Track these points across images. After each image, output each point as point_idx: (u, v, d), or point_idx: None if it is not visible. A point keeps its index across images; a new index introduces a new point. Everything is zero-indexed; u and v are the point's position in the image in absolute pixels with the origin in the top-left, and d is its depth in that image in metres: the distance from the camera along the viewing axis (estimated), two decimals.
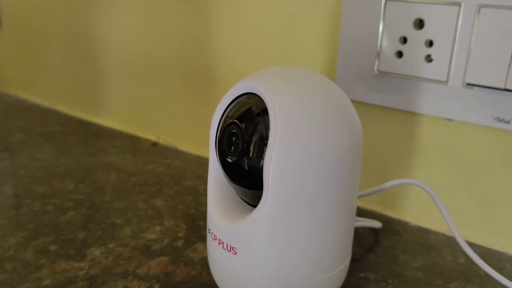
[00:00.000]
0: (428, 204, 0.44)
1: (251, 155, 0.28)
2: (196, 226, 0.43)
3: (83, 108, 0.70)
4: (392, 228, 0.44)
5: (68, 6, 0.66)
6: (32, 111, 0.72)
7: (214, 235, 0.30)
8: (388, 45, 0.42)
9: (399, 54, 0.41)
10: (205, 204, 0.46)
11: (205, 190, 0.50)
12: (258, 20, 0.50)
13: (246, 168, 0.28)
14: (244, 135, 0.28)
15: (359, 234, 0.43)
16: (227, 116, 0.30)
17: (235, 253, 0.29)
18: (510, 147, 0.39)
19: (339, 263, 0.31)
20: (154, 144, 0.62)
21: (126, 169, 0.54)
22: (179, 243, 0.40)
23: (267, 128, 0.27)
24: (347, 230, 0.31)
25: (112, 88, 0.65)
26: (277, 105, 0.27)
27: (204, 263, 0.37)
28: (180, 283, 0.35)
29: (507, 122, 0.38)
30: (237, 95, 0.30)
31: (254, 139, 0.28)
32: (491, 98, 0.38)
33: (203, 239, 0.40)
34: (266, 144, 0.27)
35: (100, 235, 0.40)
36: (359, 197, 0.41)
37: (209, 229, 0.31)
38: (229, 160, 0.29)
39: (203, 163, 0.57)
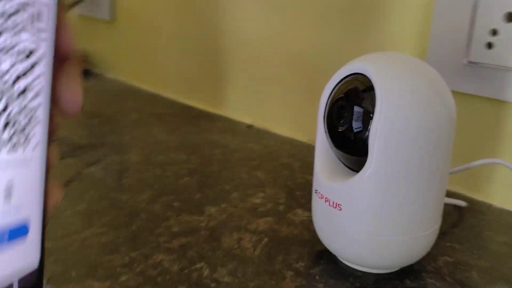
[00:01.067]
0: None
1: (358, 125, 0.33)
2: (294, 195, 0.48)
3: (186, 94, 0.78)
4: (476, 209, 0.47)
5: (183, 2, 0.74)
6: (141, 96, 0.81)
7: (321, 194, 0.36)
8: (478, 36, 0.45)
9: (489, 45, 0.45)
10: (301, 178, 0.52)
11: (300, 167, 0.55)
12: (347, 14, 0.55)
13: (353, 137, 0.33)
14: (352, 108, 0.33)
15: (444, 212, 0.46)
16: (336, 93, 0.35)
17: (340, 209, 0.35)
18: None
19: (429, 226, 0.35)
20: (250, 126, 0.68)
21: (228, 146, 0.60)
22: (281, 207, 0.46)
23: (372, 102, 0.32)
24: (438, 198, 0.35)
25: (211, 75, 0.73)
26: (382, 83, 0.32)
27: (304, 224, 0.43)
28: (285, 239, 0.41)
29: None
30: (344, 75, 0.35)
31: (361, 111, 0.33)
32: None
33: (302, 206, 0.46)
34: (371, 117, 0.32)
35: (213, 197, 0.47)
36: (452, 173, 0.45)
37: (316, 190, 0.37)
38: (339, 130, 0.34)
39: (295, 144, 0.62)
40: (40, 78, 0.19)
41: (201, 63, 0.74)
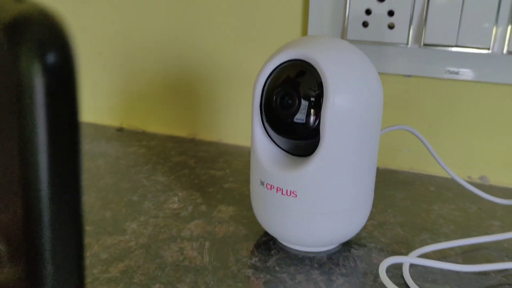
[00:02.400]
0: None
1: (306, 112, 0.33)
2: (207, 193, 0.46)
3: None
4: None
5: None
6: None
7: (271, 185, 0.35)
8: (354, 16, 0.49)
9: (365, 24, 0.49)
10: (204, 174, 0.50)
11: (195, 162, 0.53)
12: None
13: (303, 123, 0.33)
14: (299, 96, 0.33)
15: None
16: (273, 81, 0.35)
17: (296, 196, 0.35)
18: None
19: (370, 197, 0.38)
20: (120, 129, 0.63)
21: (110, 154, 0.55)
22: (203, 207, 0.44)
23: (315, 88, 0.33)
24: (375, 171, 0.38)
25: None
26: (328, 70, 0.33)
27: (235, 219, 0.42)
28: (225, 238, 0.39)
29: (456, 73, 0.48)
30: (280, 62, 0.35)
31: (309, 98, 0.33)
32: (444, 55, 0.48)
33: (221, 202, 0.45)
34: (318, 102, 0.33)
35: (126, 211, 0.43)
36: None
37: (263, 181, 0.36)
38: (287, 118, 0.34)
39: (177, 140, 0.60)
40: None
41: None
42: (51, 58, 0.11)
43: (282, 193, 0.35)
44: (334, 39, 0.36)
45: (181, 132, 0.62)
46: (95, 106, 0.64)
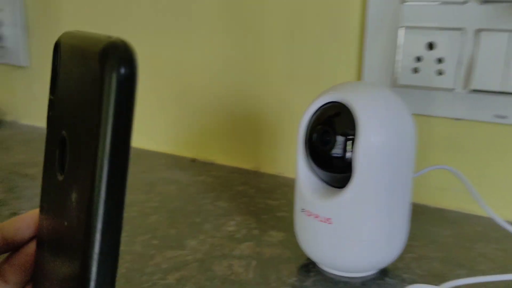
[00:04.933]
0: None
1: (342, 148, 0.37)
2: (262, 219, 0.51)
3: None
4: (417, 210, 0.54)
5: None
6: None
7: (310, 212, 0.40)
8: (406, 63, 0.53)
9: (415, 70, 0.53)
10: (261, 203, 0.55)
11: (255, 192, 0.58)
12: (288, 45, 0.60)
13: (339, 158, 0.38)
14: (335, 133, 0.38)
15: None
16: (315, 121, 0.39)
17: (331, 223, 0.39)
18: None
19: (405, 229, 0.40)
20: (193, 160, 0.70)
21: (180, 181, 0.62)
22: (255, 232, 0.49)
23: (352, 127, 0.37)
24: (409, 203, 0.41)
25: (147, 113, 0.74)
26: (361, 109, 0.37)
27: (282, 244, 0.46)
28: (270, 259, 0.44)
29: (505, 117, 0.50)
30: (320, 105, 0.40)
31: (344, 135, 0.37)
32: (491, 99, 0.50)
33: (273, 228, 0.49)
34: (353, 140, 0.37)
35: (188, 230, 0.49)
36: None
37: (303, 209, 0.41)
38: (326, 153, 0.38)
39: (242, 172, 0.66)
40: None
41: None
42: (123, 70, 0.17)
43: (319, 219, 0.39)
44: (373, 85, 0.41)
45: (246, 164, 0.68)
46: (173, 139, 0.72)
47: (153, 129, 0.74)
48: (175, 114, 0.72)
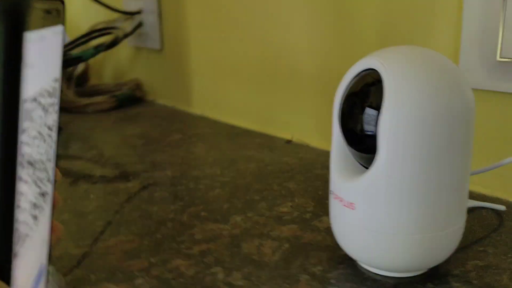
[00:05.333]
0: None
1: (368, 122, 0.32)
2: (323, 204, 0.47)
3: (228, 114, 0.79)
4: None
5: (213, 34, 0.77)
6: (186, 118, 0.84)
7: (336, 195, 0.35)
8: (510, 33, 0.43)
9: None
10: None
11: None
12: (383, 6, 0.54)
13: (364, 134, 0.33)
14: (363, 105, 0.33)
15: (482, 216, 0.44)
16: (348, 90, 0.35)
17: (353, 208, 0.34)
18: None
19: (445, 225, 0.33)
20: (289, 141, 0.68)
21: (264, 160, 0.61)
22: (307, 215, 0.45)
23: (382, 97, 0.31)
24: (454, 197, 0.33)
25: (251, 95, 0.74)
26: (390, 76, 0.31)
27: (329, 231, 0.42)
28: (306, 245, 0.40)
29: None
30: (358, 71, 0.35)
31: (371, 108, 0.32)
32: None
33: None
34: (380, 112, 0.31)
35: (241, 206, 0.47)
36: (478, 173, 0.42)
37: (331, 190, 0.36)
38: (351, 128, 0.34)
39: None
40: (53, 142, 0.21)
41: (245, 84, 0.76)
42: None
43: (343, 204, 0.34)
44: (427, 51, 0.34)
45: None
46: (270, 119, 0.71)
47: (253, 109, 0.74)
48: (274, 95, 0.71)
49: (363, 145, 0.33)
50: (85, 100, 0.89)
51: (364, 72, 0.34)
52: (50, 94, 0.20)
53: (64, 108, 0.88)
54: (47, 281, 0.23)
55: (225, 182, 0.54)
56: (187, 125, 0.79)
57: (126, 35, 0.87)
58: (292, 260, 0.38)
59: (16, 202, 0.16)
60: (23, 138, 0.16)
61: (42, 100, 0.19)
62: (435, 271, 0.35)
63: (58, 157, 0.23)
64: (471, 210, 0.45)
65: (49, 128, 0.20)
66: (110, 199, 0.51)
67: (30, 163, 0.18)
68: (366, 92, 0.33)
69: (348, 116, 0.34)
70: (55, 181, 0.24)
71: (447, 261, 0.36)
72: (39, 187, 0.19)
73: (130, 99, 0.92)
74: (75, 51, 0.79)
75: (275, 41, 0.69)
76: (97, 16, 0.98)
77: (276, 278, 0.36)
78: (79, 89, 0.97)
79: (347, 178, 0.34)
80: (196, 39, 0.83)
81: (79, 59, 0.78)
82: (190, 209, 0.47)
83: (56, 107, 0.21)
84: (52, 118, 0.21)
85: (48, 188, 0.21)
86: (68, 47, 0.86)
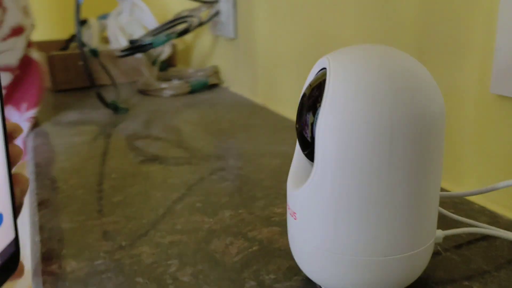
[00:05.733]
0: None
1: (308, 125, 0.29)
2: None
3: (283, 106, 0.78)
4: None
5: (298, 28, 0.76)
6: (250, 107, 0.84)
7: (287, 201, 0.33)
8: None
9: None
10: None
11: None
12: (415, 10, 0.48)
13: (306, 139, 0.30)
14: (308, 107, 0.30)
15: (493, 247, 0.37)
16: (303, 91, 0.32)
17: (295, 219, 0.31)
18: None
19: (396, 249, 0.29)
20: None
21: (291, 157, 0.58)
22: None
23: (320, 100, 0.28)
24: (409, 217, 0.28)
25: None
26: (333, 77, 0.28)
27: None
28: (275, 250, 0.38)
29: None
30: (317, 70, 0.32)
31: (311, 110, 0.29)
32: None
33: None
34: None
35: (237, 202, 0.46)
36: (472, 194, 0.37)
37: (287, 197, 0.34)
38: (300, 131, 0.31)
39: None
40: None
41: (302, 79, 0.74)
42: None
43: (289, 212, 0.32)
44: (390, 49, 0.30)
45: None
46: None
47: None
48: None
49: (309, 151, 0.30)
50: (162, 84, 0.93)
51: (320, 71, 0.31)
52: None
53: (143, 91, 0.94)
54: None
55: (239, 175, 0.53)
56: (244, 115, 0.79)
57: (200, 24, 0.90)
58: (250, 264, 0.36)
59: None
60: None
61: None
62: None
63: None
64: (483, 238, 0.39)
65: None
66: (175, 181, 0.53)
67: None
68: (313, 94, 0.30)
69: (298, 119, 0.31)
70: (9, 136, 0.27)
71: None
72: None
73: (204, 85, 0.95)
74: (150, 38, 0.84)
75: (330, 36, 0.65)
76: (183, 4, 1.02)
77: (223, 280, 0.34)
78: (162, 74, 1.02)
79: (295, 185, 0.32)
80: (263, 30, 0.82)
81: (150, 46, 0.82)
82: (188, 199, 0.48)
83: None
84: None
85: None
86: (154, 32, 0.91)
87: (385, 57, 0.29)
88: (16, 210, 0.27)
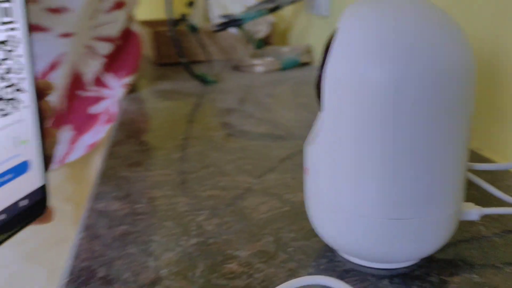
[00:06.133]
0: None
1: (320, 78, 0.29)
2: None
3: None
4: None
5: None
6: None
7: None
8: None
9: None
10: None
11: None
12: None
13: (317, 90, 0.29)
14: (321, 58, 0.29)
15: None
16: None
17: (308, 174, 0.31)
18: None
19: (418, 211, 0.27)
20: None
21: None
22: None
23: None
24: (436, 174, 0.27)
25: None
26: (344, 24, 0.27)
27: None
28: (304, 213, 0.38)
29: None
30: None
31: (322, 62, 0.29)
32: None
33: None
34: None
35: (287, 168, 0.47)
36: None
37: None
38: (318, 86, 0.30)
39: None
40: (20, 59, 0.27)
41: None
42: None
43: (304, 167, 0.31)
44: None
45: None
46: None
47: None
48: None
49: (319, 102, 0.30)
50: (255, 60, 0.96)
51: None
52: None
53: (237, 67, 0.97)
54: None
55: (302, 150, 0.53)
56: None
57: (292, 1, 0.90)
58: (275, 222, 0.36)
59: None
60: None
61: None
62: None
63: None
64: None
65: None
66: (235, 146, 0.55)
67: None
68: (329, 45, 0.29)
69: (318, 73, 0.30)
70: (41, 92, 0.30)
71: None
72: None
73: (294, 63, 0.95)
74: (241, 14, 0.86)
75: None
76: None
77: (243, 232, 0.35)
78: (257, 51, 1.04)
79: (310, 142, 0.31)
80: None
81: (240, 21, 0.85)
82: (240, 161, 0.49)
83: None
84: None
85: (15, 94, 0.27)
86: (250, 9, 0.94)
87: (405, 8, 0.27)
88: (47, 161, 0.30)
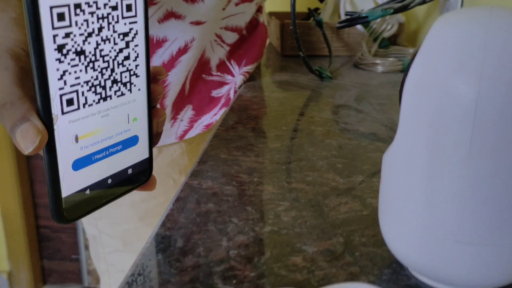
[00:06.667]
0: None
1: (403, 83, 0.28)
2: None
3: None
4: None
5: None
6: None
7: None
8: None
9: None
10: None
11: None
12: None
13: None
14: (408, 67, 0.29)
15: None
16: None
17: (382, 183, 0.31)
18: None
19: (498, 236, 0.26)
20: None
21: None
22: None
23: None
24: (503, 201, 0.25)
25: None
26: (432, 31, 0.27)
27: None
28: None
29: None
30: None
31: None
32: None
33: None
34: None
35: (376, 171, 0.46)
36: None
37: None
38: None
39: None
40: (137, 48, 0.31)
41: None
42: None
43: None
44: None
45: None
46: None
47: None
48: None
49: None
50: (376, 60, 0.94)
51: None
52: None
53: (357, 64, 0.96)
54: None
55: None
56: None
57: (423, 2, 0.86)
58: (350, 223, 0.37)
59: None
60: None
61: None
62: None
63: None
64: None
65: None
66: (332, 143, 0.57)
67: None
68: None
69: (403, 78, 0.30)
70: (153, 76, 0.34)
71: None
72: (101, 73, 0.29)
73: None
74: (367, 12, 0.85)
75: None
76: None
77: (316, 228, 0.36)
78: (381, 50, 1.02)
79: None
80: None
81: (365, 18, 0.83)
82: (333, 159, 0.49)
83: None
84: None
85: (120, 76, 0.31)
86: (379, 7, 0.92)
87: (499, 20, 0.26)
88: (154, 138, 0.34)
